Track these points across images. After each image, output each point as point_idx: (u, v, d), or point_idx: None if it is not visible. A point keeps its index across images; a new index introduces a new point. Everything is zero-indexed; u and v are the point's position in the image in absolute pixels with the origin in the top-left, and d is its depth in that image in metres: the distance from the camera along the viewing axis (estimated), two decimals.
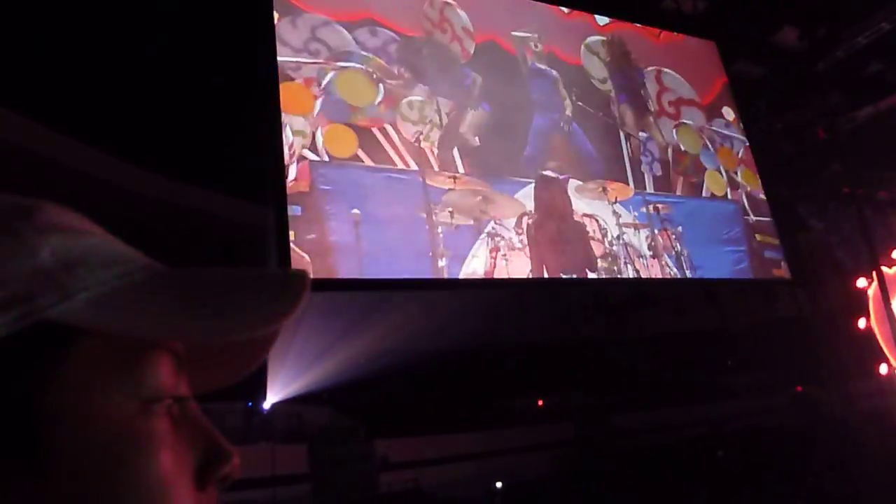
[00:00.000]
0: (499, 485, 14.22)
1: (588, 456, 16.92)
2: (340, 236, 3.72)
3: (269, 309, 0.34)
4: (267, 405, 10.83)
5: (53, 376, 0.32)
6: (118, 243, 0.37)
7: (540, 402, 17.86)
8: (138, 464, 0.32)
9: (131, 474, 0.31)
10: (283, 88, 3.93)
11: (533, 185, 4.56)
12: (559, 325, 19.13)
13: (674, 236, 5.09)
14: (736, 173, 6.16)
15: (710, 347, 21.64)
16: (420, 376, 16.32)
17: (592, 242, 4.64)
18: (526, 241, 4.27)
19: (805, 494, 13.92)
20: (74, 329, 0.32)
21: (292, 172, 3.72)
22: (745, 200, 6.11)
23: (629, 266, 4.78)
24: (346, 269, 3.69)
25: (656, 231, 5.02)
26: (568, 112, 5.15)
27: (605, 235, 4.74)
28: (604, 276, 4.72)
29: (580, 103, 5.26)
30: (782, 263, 6.81)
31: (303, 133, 3.86)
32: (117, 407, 0.32)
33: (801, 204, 8.96)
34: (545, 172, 4.73)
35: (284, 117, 3.84)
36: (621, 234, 4.80)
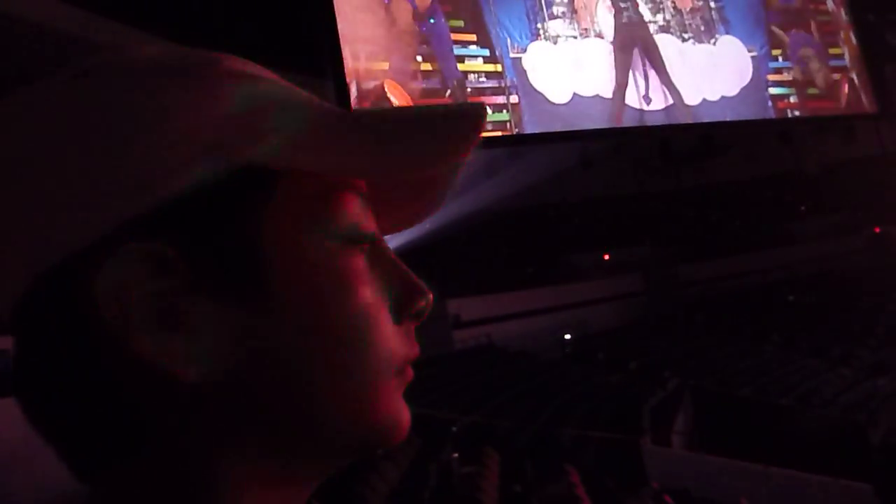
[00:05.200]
0: (567, 336, 14.65)
1: (657, 305, 17.13)
2: None
3: (452, 140, 0.35)
4: None
5: (262, 218, 0.34)
6: (298, 90, 0.38)
7: (606, 256, 17.90)
8: (344, 296, 0.35)
9: (338, 306, 0.35)
10: None
11: None
12: (625, 176, 18.83)
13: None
14: None
15: (781, 191, 21.01)
16: (488, 234, 16.53)
17: None
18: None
19: (881, 334, 13.84)
20: (273, 172, 0.35)
21: None
22: None
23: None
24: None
25: None
26: None
27: None
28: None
29: None
30: (861, 96, 7.13)
31: None
32: (320, 244, 0.35)
33: (891, 32, 8.25)
34: None
35: None
36: None
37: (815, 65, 10.26)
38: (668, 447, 8.70)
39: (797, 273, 18.20)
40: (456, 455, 6.56)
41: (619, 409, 9.88)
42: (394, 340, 0.37)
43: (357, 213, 0.37)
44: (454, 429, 7.95)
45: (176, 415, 0.33)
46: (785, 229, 19.91)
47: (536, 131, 8.24)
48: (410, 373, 0.39)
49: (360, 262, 0.36)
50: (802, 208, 20.91)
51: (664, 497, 6.17)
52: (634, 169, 18.32)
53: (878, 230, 19.44)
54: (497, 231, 16.76)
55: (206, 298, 0.33)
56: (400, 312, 0.38)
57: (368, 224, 0.38)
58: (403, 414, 0.38)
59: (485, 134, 0.38)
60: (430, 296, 0.39)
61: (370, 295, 0.36)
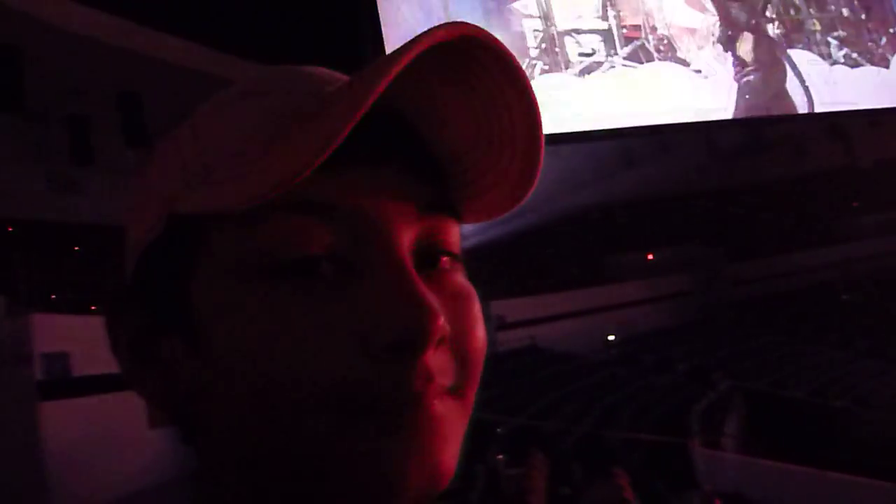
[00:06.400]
0: (611, 337, 14.47)
1: (706, 305, 16.81)
2: None
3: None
4: None
5: (196, 267, 0.34)
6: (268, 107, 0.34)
7: (650, 256, 17.65)
8: (276, 338, 0.32)
9: (270, 349, 0.32)
10: None
11: None
12: (670, 173, 18.51)
13: None
14: None
15: (834, 188, 20.40)
16: (532, 235, 16.44)
17: None
18: None
19: None
20: (203, 219, 0.34)
21: None
22: None
23: None
24: None
25: None
26: None
27: None
28: None
29: None
30: None
31: None
32: (243, 285, 0.33)
33: None
34: None
35: None
36: None
37: None
38: (718, 450, 8.52)
39: (851, 271, 17.66)
40: (502, 457, 6.52)
41: (668, 411, 9.72)
42: (339, 363, 0.31)
43: (283, 235, 0.32)
44: (500, 430, 7.92)
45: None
46: (838, 226, 19.34)
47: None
48: (404, 409, 0.31)
49: (296, 293, 0.32)
50: (856, 204, 20.30)
51: (716, 501, 6.04)
52: (680, 166, 18.02)
53: None
54: (541, 231, 16.66)
55: (167, 341, 0.35)
56: (370, 344, 0.31)
57: (306, 244, 0.32)
58: (363, 461, 0.31)
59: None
60: (417, 326, 0.31)
61: (310, 330, 0.31)
